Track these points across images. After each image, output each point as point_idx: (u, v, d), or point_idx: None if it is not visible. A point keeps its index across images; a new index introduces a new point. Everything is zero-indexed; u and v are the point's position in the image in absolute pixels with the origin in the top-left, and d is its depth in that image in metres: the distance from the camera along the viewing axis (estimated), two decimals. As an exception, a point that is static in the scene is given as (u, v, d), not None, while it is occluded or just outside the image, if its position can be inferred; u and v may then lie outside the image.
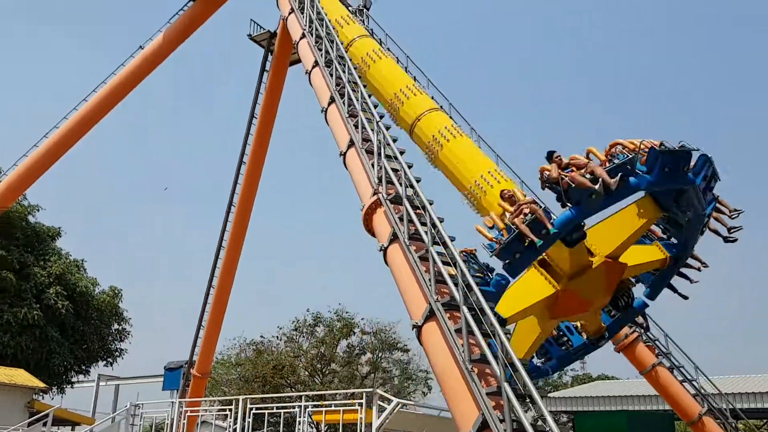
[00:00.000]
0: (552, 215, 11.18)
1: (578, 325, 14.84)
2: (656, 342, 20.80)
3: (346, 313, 47.23)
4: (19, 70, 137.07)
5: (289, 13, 21.53)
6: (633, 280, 13.87)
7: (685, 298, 13.90)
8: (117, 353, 41.42)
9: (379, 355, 47.69)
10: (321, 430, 29.25)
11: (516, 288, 12.17)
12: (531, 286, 12.29)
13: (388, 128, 14.66)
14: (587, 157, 11.39)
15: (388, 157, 13.54)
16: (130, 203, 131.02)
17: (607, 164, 11.08)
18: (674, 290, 14.03)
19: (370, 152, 14.22)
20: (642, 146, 11.37)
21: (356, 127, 15.13)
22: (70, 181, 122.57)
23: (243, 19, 46.29)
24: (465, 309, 9.22)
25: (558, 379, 59.46)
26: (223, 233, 33.22)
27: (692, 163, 11.38)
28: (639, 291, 14.22)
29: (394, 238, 12.15)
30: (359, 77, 16.39)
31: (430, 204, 11.82)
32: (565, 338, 15.11)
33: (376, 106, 15.75)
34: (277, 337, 48.15)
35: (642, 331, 19.00)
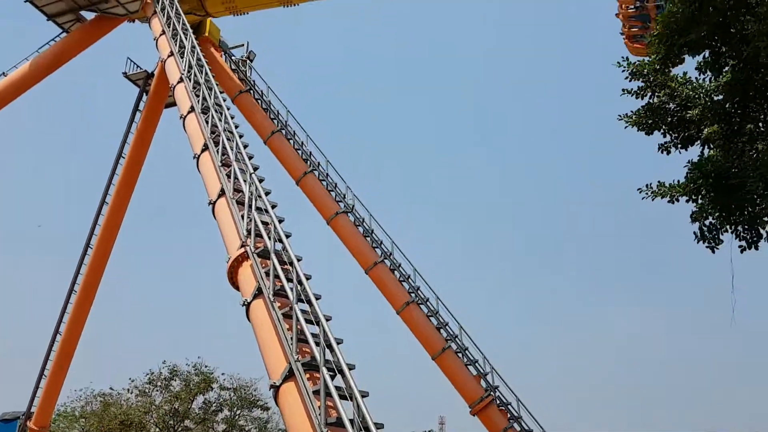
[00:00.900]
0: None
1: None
2: (509, 406, 21.59)
3: (206, 367, 45.38)
4: None
5: (168, 56, 21.11)
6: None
7: None
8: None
9: (237, 412, 45.97)
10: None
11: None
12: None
13: (262, 180, 14.55)
14: None
15: (258, 209, 13.39)
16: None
17: None
18: None
19: (240, 203, 14.00)
20: None
21: (228, 176, 14.88)
22: None
23: (121, 55, 44.76)
24: (324, 370, 9.12)
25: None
26: (75, 278, 31.11)
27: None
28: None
29: (258, 293, 11.90)
30: (236, 127, 16.24)
31: (299, 260, 11.74)
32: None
33: (251, 157, 15.65)
34: (128, 389, 45.22)
35: (496, 394, 19.68)
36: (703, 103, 13.14)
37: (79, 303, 30.87)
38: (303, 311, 10.68)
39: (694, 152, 13.80)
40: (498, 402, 21.45)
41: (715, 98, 13.19)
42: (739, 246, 12.96)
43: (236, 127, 16.84)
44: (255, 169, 15.06)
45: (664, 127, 13.71)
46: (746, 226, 12.82)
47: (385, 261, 24.77)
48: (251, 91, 28.36)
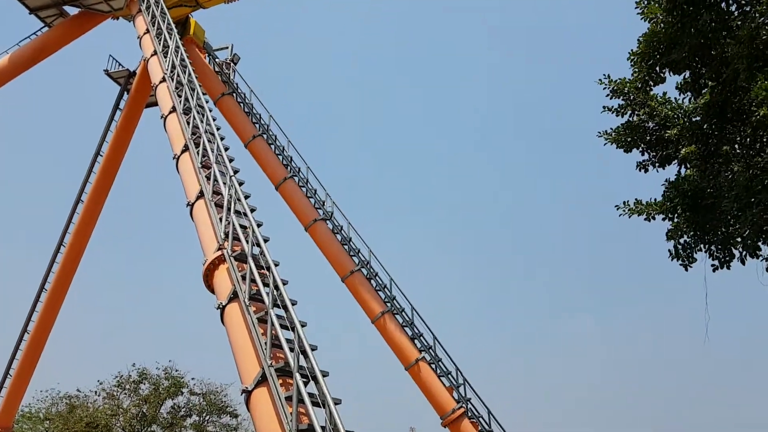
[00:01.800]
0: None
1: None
2: (480, 419, 21.58)
3: (176, 371, 44.76)
4: None
5: (152, 55, 20.94)
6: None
7: None
8: None
9: (206, 418, 45.36)
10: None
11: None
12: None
13: (241, 184, 14.44)
14: None
15: (237, 212, 13.27)
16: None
17: None
18: None
19: (219, 206, 13.88)
20: None
21: (208, 178, 14.75)
22: None
23: (103, 52, 44.28)
24: (298, 376, 9.04)
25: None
26: (46, 277, 30.56)
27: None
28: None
29: (234, 296, 11.78)
30: (217, 129, 16.11)
31: (276, 265, 11.65)
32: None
33: (231, 160, 15.53)
34: (96, 392, 44.42)
35: (468, 407, 19.67)
36: (681, 123, 13.36)
37: (49, 302, 30.31)
38: (278, 316, 10.60)
39: (671, 171, 14.02)
40: (470, 414, 21.43)
41: (694, 119, 13.42)
42: (712, 265, 13.16)
43: (218, 129, 16.72)
44: (235, 171, 14.94)
45: (642, 145, 13.91)
46: (719, 246, 13.02)
47: (362, 270, 24.68)
48: (234, 94, 28.21)
